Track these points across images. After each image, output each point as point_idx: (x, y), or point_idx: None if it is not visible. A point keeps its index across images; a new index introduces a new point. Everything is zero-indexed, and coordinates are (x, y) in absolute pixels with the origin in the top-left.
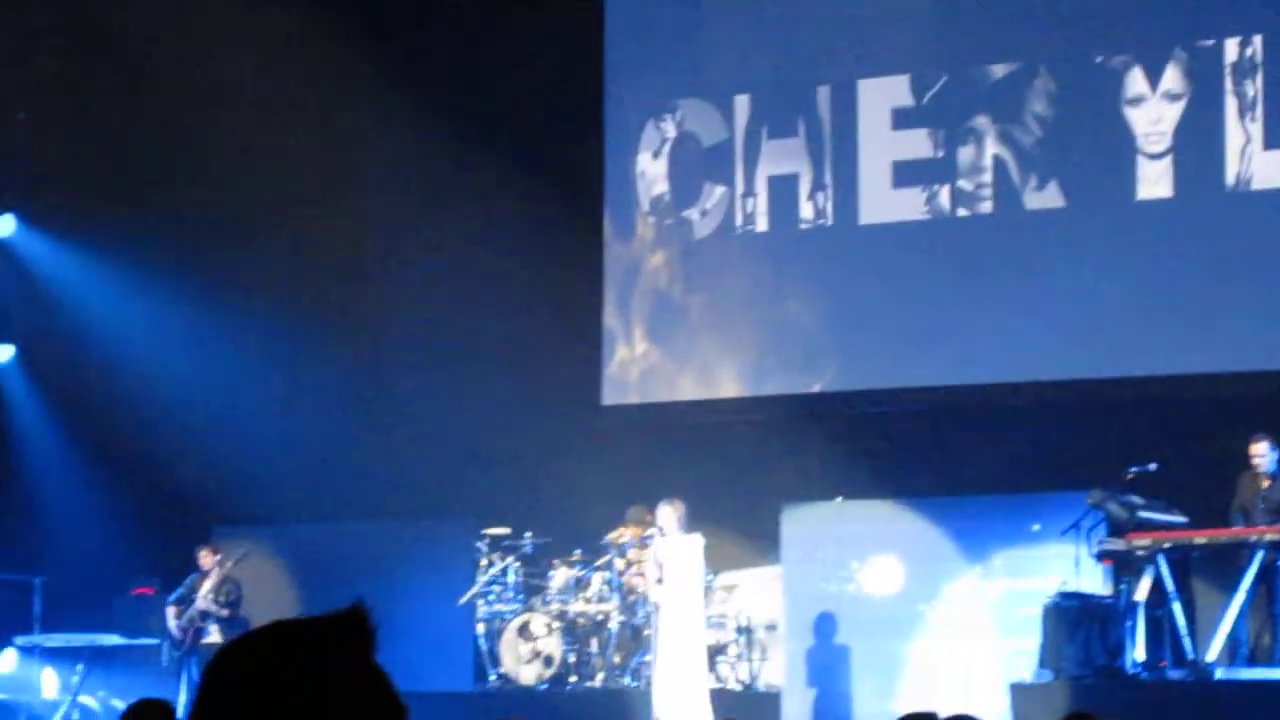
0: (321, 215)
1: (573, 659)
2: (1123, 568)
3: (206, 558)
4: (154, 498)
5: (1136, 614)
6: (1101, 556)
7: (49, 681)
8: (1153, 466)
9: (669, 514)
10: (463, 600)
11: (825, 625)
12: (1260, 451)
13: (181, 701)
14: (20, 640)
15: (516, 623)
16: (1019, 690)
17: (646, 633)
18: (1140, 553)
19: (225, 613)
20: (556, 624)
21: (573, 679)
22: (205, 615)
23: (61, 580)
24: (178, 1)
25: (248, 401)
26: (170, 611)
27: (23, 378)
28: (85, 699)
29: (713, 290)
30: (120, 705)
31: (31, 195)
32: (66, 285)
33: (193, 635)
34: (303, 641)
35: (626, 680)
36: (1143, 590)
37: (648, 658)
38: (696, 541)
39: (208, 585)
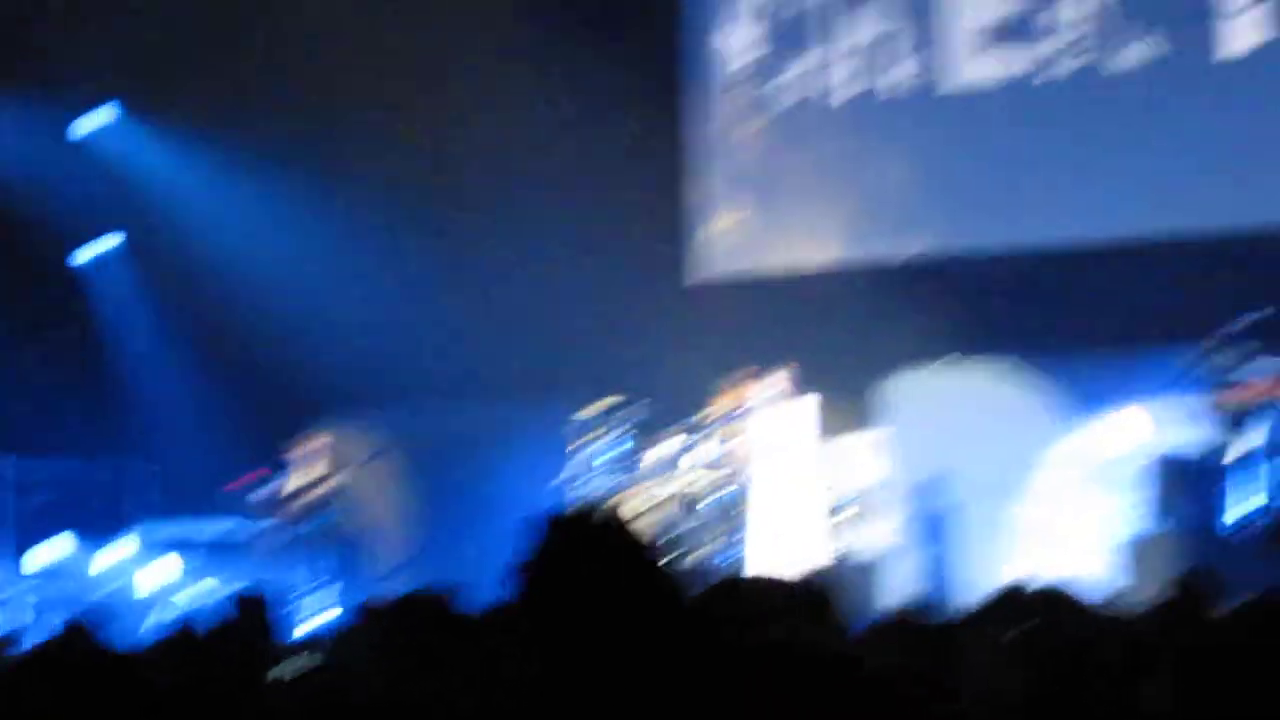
0: (408, 104)
1: (675, 534)
2: (1234, 420)
3: (314, 441)
4: (257, 386)
5: (1249, 466)
6: (1215, 408)
7: (172, 567)
8: (1262, 315)
9: (778, 381)
10: (554, 482)
11: (932, 488)
12: None
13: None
14: (139, 530)
15: (615, 502)
16: (1132, 546)
17: (744, 507)
18: (1255, 405)
19: (320, 496)
20: (659, 500)
21: (681, 552)
22: (304, 499)
23: (176, 467)
24: None
25: (345, 287)
26: (276, 494)
27: (130, 266)
28: (206, 584)
29: (801, 159)
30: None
31: (133, 83)
32: (169, 173)
33: (303, 518)
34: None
35: (724, 559)
36: (1255, 442)
37: (741, 534)
38: (810, 405)
39: (319, 468)
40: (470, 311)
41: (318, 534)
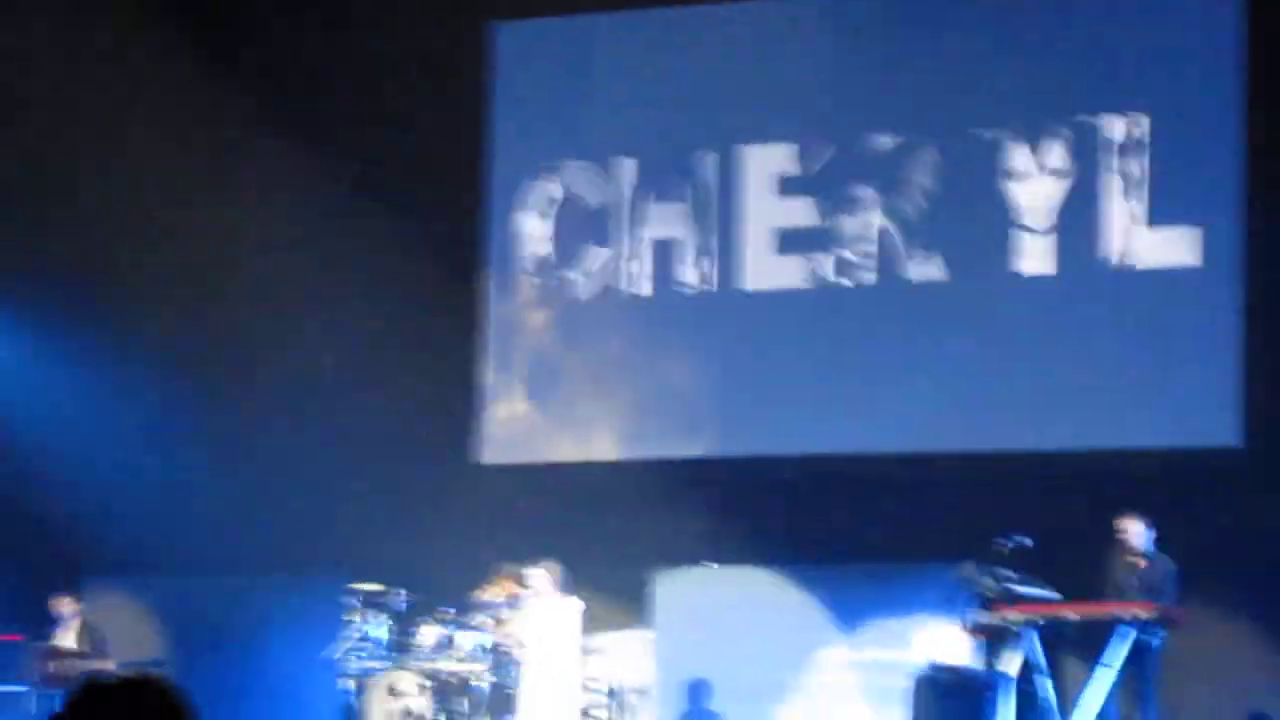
0: (198, 261)
1: (442, 718)
2: (994, 641)
3: (65, 605)
4: (19, 545)
5: (1007, 688)
6: (973, 630)
7: None
8: (1027, 541)
9: (544, 576)
10: (329, 654)
11: (696, 690)
12: (1130, 529)
13: None
14: None
15: (385, 680)
16: None
17: (511, 693)
18: (1012, 627)
19: (94, 660)
20: (426, 682)
21: None
22: (72, 660)
23: None
24: (49, 35)
25: (116, 450)
26: (43, 656)
27: None
28: None
29: (593, 351)
30: None
31: None
32: None
33: (62, 681)
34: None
35: None
36: (1013, 665)
37: (516, 719)
38: (574, 605)
39: (71, 634)
40: (246, 485)
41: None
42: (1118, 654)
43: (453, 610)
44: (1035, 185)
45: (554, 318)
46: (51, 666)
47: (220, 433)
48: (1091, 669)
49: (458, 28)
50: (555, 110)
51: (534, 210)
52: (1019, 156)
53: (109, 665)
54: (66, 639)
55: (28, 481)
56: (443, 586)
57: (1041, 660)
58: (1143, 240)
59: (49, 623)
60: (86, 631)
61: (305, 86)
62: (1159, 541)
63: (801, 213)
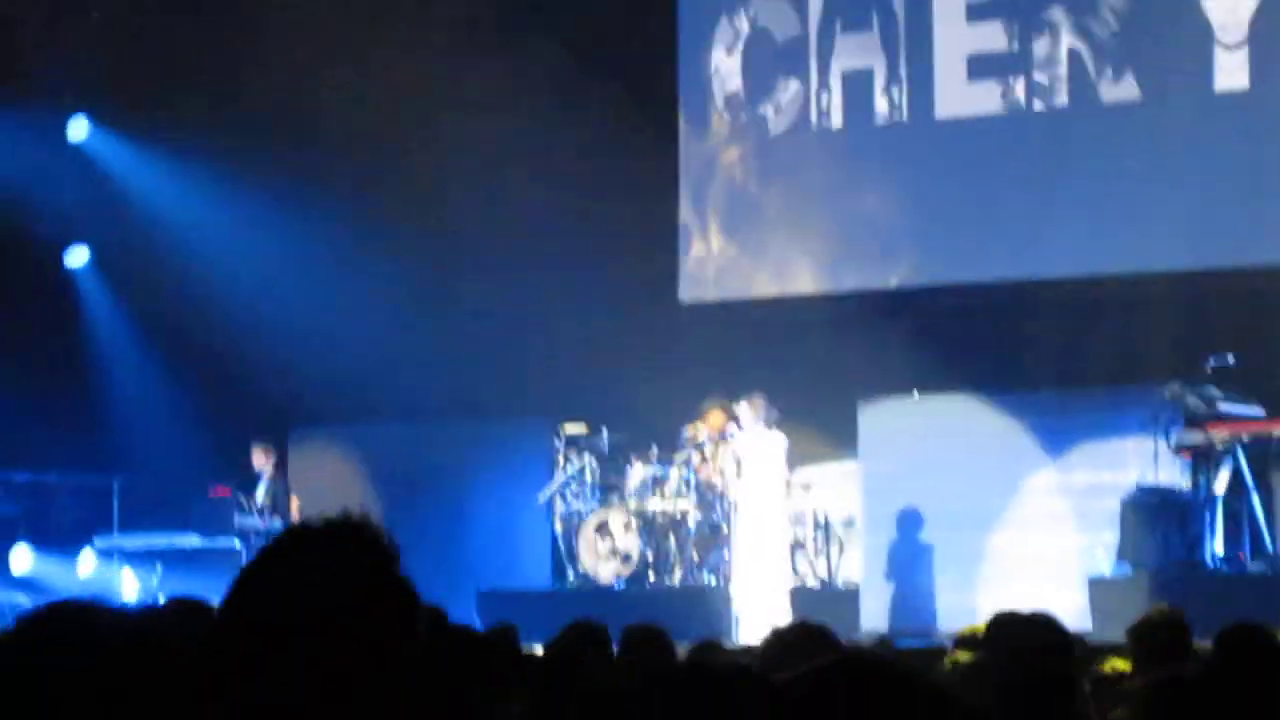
0: (392, 117)
1: (651, 556)
2: (1201, 461)
3: (259, 458)
4: (229, 398)
5: (1215, 507)
6: (1180, 449)
7: (128, 583)
8: (1231, 359)
9: (749, 410)
10: (541, 497)
11: (904, 520)
12: None
13: None
14: (99, 542)
15: (594, 520)
16: (1097, 584)
17: (725, 530)
18: (1219, 445)
19: (271, 518)
20: (635, 521)
21: (651, 577)
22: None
23: (139, 482)
24: None
25: (322, 302)
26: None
27: (98, 280)
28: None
29: (788, 186)
30: None
31: (103, 96)
32: (139, 186)
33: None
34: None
35: (705, 577)
36: (1221, 483)
37: (726, 555)
38: (779, 440)
39: (261, 489)
40: (448, 330)
41: None
42: None
43: (659, 449)
44: None
45: (748, 154)
46: (237, 522)
47: (423, 281)
48: None
49: None
50: None
51: (723, 46)
52: None
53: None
54: (259, 494)
55: (235, 338)
56: (649, 426)
57: (1249, 478)
58: None
59: (259, 475)
60: (273, 487)
61: None
62: None
63: (991, 37)
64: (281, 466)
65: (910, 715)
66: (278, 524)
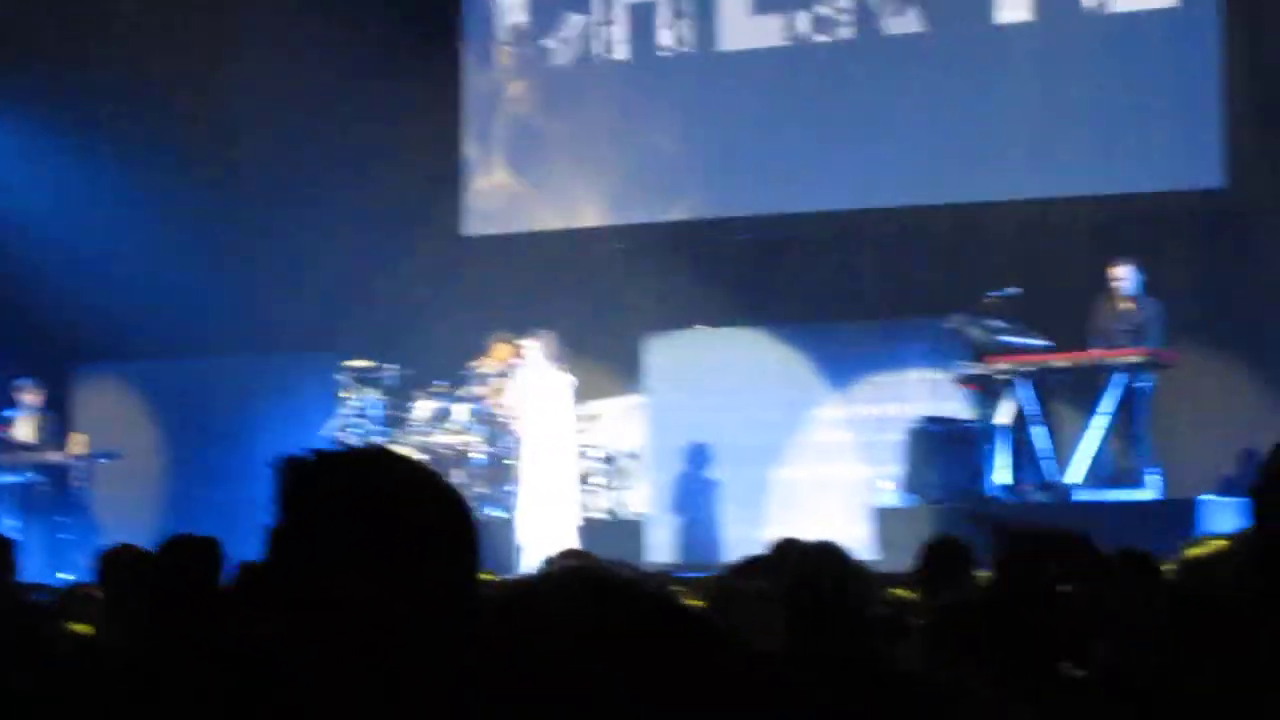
0: (176, 51)
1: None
2: (984, 392)
3: (26, 394)
4: (11, 335)
5: (998, 438)
6: (963, 381)
7: None
8: (1013, 291)
9: (536, 345)
10: (323, 432)
11: (690, 454)
12: (1121, 274)
13: None
14: None
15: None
16: (882, 514)
17: (511, 464)
18: (1001, 377)
19: (44, 451)
20: (423, 456)
21: None
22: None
23: None
24: None
25: (105, 239)
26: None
27: None
28: None
29: (573, 119)
30: None
31: None
32: None
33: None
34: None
35: (492, 511)
36: (1005, 414)
37: (510, 489)
38: (566, 377)
39: (30, 423)
40: (234, 267)
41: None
42: (1110, 400)
43: (446, 383)
44: None
45: (533, 87)
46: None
47: (204, 215)
48: (1086, 417)
49: None
50: None
51: None
52: None
53: (59, 457)
54: (24, 429)
55: (15, 274)
56: (435, 361)
57: (1036, 409)
58: None
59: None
60: (44, 422)
61: None
62: (1147, 285)
63: None
64: (58, 403)
65: (626, 619)
66: (50, 458)
